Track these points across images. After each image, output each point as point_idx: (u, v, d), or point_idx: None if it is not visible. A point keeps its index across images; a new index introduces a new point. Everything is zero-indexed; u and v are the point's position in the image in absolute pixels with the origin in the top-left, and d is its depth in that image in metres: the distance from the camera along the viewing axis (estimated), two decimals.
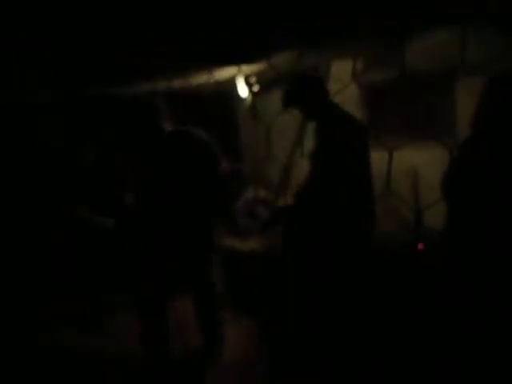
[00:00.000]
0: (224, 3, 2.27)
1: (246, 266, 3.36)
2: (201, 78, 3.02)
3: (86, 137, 3.62)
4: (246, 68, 3.82)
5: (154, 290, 2.52)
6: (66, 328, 3.19)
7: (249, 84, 4.50)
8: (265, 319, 3.01)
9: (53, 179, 3.69)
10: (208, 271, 2.66)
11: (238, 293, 3.33)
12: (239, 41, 2.41)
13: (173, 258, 2.48)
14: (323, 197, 2.31)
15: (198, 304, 2.67)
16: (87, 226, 3.53)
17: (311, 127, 2.52)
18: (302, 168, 2.47)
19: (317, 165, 2.33)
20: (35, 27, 2.45)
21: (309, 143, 2.57)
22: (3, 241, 3.63)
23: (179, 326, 2.62)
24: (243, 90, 4.52)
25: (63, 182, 3.66)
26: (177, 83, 2.79)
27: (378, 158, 2.47)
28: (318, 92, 2.39)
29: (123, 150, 2.40)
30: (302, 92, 2.37)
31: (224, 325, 2.74)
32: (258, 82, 4.56)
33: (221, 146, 2.46)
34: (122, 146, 2.40)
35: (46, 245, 3.67)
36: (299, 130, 3.68)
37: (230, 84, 4.37)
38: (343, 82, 2.69)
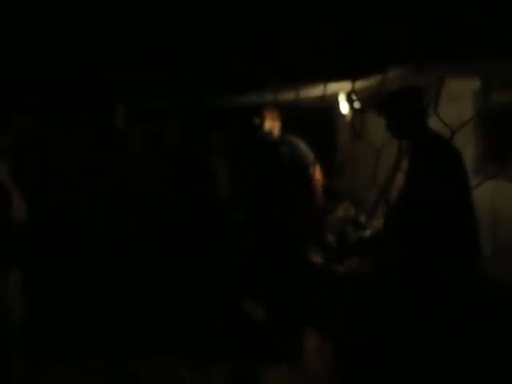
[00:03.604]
0: (343, 19, 2.27)
1: (326, 283, 3.29)
2: (307, 92, 3.05)
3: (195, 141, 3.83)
4: (350, 84, 3.77)
5: None
6: None
7: (350, 100, 4.42)
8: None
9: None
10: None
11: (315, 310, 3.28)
12: (352, 55, 2.38)
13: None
14: (416, 226, 2.15)
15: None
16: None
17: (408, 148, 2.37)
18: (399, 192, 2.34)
19: (410, 189, 2.18)
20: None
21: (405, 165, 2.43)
22: None
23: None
24: (344, 107, 4.46)
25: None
26: (283, 95, 2.85)
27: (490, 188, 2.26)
28: (414, 107, 2.17)
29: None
30: (394, 105, 2.19)
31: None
32: (360, 99, 4.47)
33: (317, 159, 2.48)
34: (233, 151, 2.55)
35: None
36: (398, 151, 3.53)
37: (334, 99, 4.34)
38: (459, 102, 2.52)
